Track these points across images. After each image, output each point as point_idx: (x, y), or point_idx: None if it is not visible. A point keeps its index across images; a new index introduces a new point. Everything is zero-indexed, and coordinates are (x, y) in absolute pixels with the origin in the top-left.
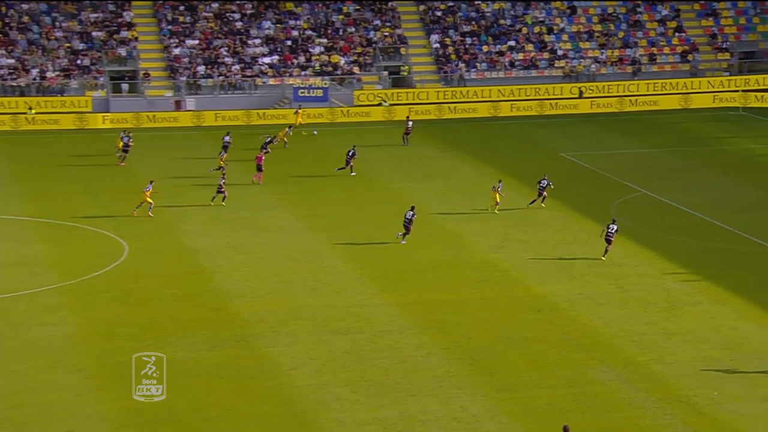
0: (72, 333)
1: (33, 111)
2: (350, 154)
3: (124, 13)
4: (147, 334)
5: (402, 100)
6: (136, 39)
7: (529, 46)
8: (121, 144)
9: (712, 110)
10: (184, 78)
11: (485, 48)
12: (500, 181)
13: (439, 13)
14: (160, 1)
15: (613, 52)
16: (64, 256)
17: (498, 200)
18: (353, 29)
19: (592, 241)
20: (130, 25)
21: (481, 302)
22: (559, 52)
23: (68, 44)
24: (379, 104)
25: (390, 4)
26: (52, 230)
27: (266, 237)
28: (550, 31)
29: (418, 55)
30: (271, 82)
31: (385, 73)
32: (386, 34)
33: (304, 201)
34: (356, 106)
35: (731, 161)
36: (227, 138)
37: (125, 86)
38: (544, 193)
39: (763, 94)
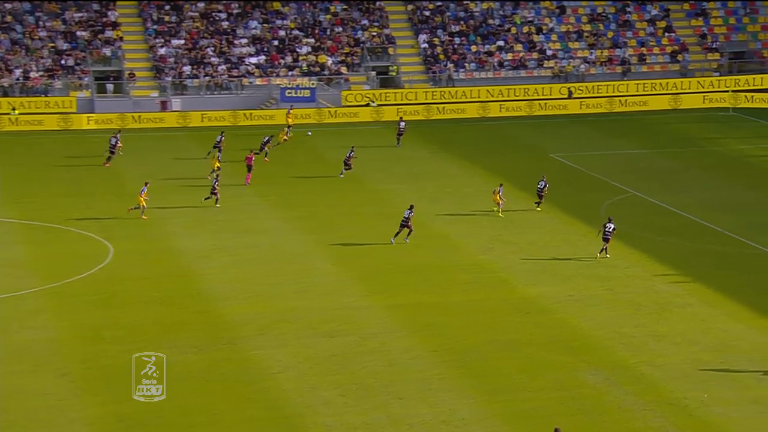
0: (55, 337)
1: (16, 112)
2: (349, 155)
3: (109, 13)
4: (132, 337)
5: (390, 100)
6: (121, 39)
7: (518, 46)
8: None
9: (702, 111)
10: (170, 78)
11: (474, 48)
12: (501, 185)
13: (427, 13)
14: (146, 1)
15: (602, 52)
16: (48, 259)
17: (499, 202)
18: (341, 29)
19: (582, 243)
20: (114, 25)
21: (470, 304)
22: (549, 52)
23: (52, 44)
24: (367, 105)
25: (378, 3)
26: (36, 232)
27: (253, 239)
28: (539, 31)
29: (407, 55)
30: (258, 83)
31: (373, 73)
32: (374, 33)
33: (291, 202)
34: (344, 106)
35: (721, 162)
36: (219, 137)
37: (110, 87)
38: (542, 196)
39: (753, 94)
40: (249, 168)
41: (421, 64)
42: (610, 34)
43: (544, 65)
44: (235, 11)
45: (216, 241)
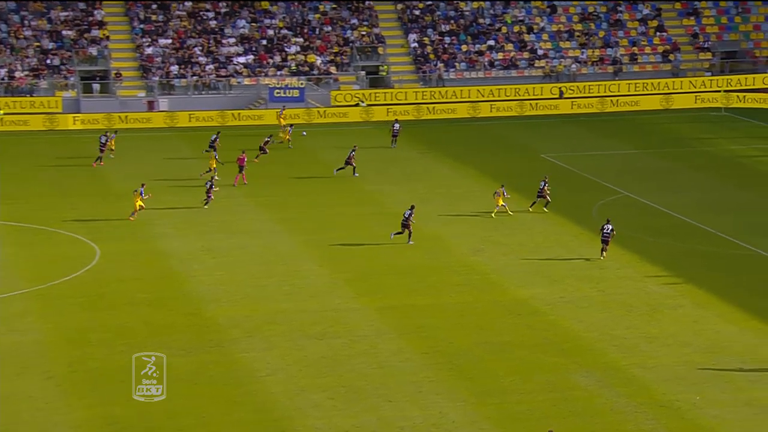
0: (41, 339)
1: (1, 112)
2: (350, 155)
3: (95, 12)
4: (119, 340)
5: (380, 100)
6: (108, 38)
7: (509, 46)
8: (111, 144)
9: (694, 111)
10: (157, 78)
11: (464, 47)
12: (503, 186)
13: (417, 12)
14: (132, 0)
15: (593, 51)
16: (34, 260)
17: (500, 203)
18: (330, 28)
19: (573, 244)
20: (101, 24)
21: (461, 306)
22: (539, 52)
23: (37, 43)
24: (357, 105)
25: (367, 2)
26: (21, 234)
27: (242, 240)
28: (530, 30)
29: (396, 54)
30: (246, 82)
31: (363, 73)
32: (363, 33)
33: (280, 203)
34: (333, 106)
35: (713, 162)
36: (214, 137)
37: (96, 86)
38: (546, 196)
39: (745, 94)
40: (240, 168)
41: (411, 63)
42: (601, 34)
43: (535, 65)
44: (222, 10)
45: (205, 242)
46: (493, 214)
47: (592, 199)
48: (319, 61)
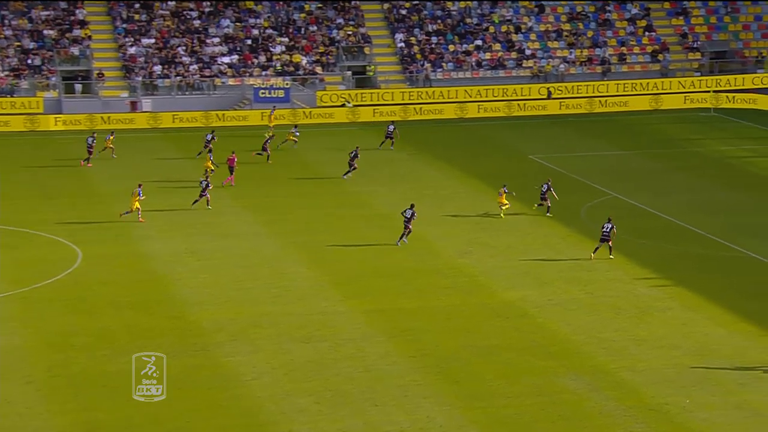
0: (22, 343)
1: None
2: (352, 155)
3: (77, 11)
4: (101, 344)
5: (366, 101)
6: (90, 38)
7: (497, 46)
8: (109, 144)
9: (683, 111)
10: (140, 78)
11: (451, 47)
12: (504, 186)
13: (403, 12)
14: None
15: (582, 51)
16: (14, 263)
17: (503, 202)
18: (315, 28)
19: (561, 246)
20: (83, 23)
21: (448, 309)
22: (527, 52)
23: (18, 43)
24: (343, 105)
25: (353, 2)
26: (2, 236)
27: (226, 242)
28: (517, 30)
29: (383, 54)
30: (231, 83)
31: (349, 73)
32: (349, 32)
33: (265, 205)
34: (319, 107)
35: (703, 163)
36: (209, 136)
37: (78, 87)
38: (547, 199)
39: (734, 94)
40: (230, 170)
41: (397, 63)
42: (589, 34)
43: (523, 65)
44: (206, 9)
45: (189, 244)
46: (501, 215)
47: (580, 201)
48: (304, 61)
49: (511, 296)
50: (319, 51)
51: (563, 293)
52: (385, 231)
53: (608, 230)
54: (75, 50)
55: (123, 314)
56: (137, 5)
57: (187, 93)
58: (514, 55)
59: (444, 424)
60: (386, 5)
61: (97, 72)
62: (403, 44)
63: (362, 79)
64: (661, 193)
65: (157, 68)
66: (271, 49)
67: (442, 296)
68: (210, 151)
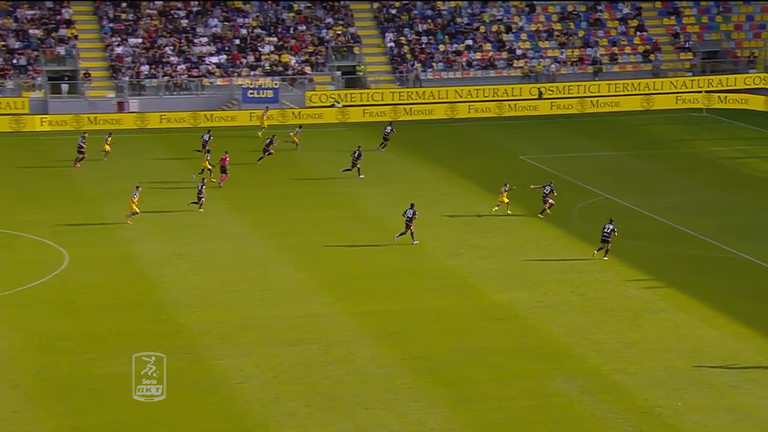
0: (7, 347)
1: None
2: (356, 155)
3: (63, 10)
4: (88, 347)
5: (356, 101)
6: (76, 37)
7: (487, 46)
8: (107, 146)
9: (675, 111)
10: (127, 78)
11: (442, 47)
12: (506, 184)
13: (393, 11)
14: None
15: (573, 51)
16: (0, 265)
17: (504, 201)
18: (304, 27)
19: (552, 247)
20: (69, 23)
21: (439, 311)
22: (518, 52)
23: (3, 43)
24: (332, 105)
25: (342, 1)
26: None
27: (215, 244)
28: (508, 29)
29: (372, 54)
30: (219, 83)
31: (338, 73)
32: (339, 32)
33: (255, 207)
34: (308, 107)
35: (695, 164)
36: (206, 136)
37: (65, 87)
38: (549, 201)
39: (726, 95)
40: (223, 170)
41: (387, 63)
42: (581, 33)
43: (514, 65)
44: (194, 9)
45: (176, 246)
46: (508, 211)
47: (571, 202)
48: (293, 61)
49: (502, 298)
50: (309, 51)
51: (555, 295)
52: (374, 233)
53: (608, 231)
54: (61, 50)
55: (110, 317)
56: (124, 4)
57: (174, 93)
58: (504, 55)
59: (435, 427)
60: (376, 5)
61: (84, 72)
62: (393, 44)
63: (352, 79)
64: (653, 194)
65: (145, 68)
66: (260, 49)
67: (432, 298)
68: (208, 151)
